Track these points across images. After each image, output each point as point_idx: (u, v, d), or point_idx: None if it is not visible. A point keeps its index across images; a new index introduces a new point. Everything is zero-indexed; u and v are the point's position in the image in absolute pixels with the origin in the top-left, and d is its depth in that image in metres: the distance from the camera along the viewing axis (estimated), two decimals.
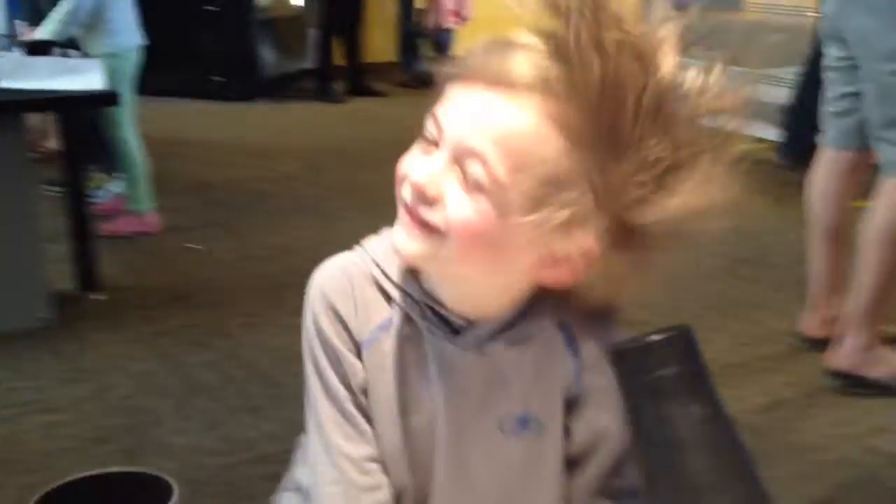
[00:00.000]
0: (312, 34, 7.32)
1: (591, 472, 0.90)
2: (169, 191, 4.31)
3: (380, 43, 8.09)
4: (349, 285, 0.92)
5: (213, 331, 3.16)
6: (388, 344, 0.91)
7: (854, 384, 2.53)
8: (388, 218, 3.44)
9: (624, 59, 0.72)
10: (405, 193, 0.85)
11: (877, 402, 2.50)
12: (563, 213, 0.78)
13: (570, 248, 0.81)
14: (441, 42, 7.71)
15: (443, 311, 0.90)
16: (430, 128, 0.86)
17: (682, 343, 0.73)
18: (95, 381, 2.84)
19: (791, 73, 5.34)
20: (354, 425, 0.91)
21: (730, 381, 2.68)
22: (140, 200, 4.07)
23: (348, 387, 0.91)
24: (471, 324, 0.90)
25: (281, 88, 7.25)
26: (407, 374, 0.91)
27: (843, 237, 2.69)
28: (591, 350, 0.91)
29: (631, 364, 0.74)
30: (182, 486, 2.26)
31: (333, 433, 0.91)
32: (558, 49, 0.73)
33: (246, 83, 6.90)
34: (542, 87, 0.77)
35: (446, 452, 0.91)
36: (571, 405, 0.91)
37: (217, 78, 6.75)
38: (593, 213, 0.78)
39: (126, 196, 4.11)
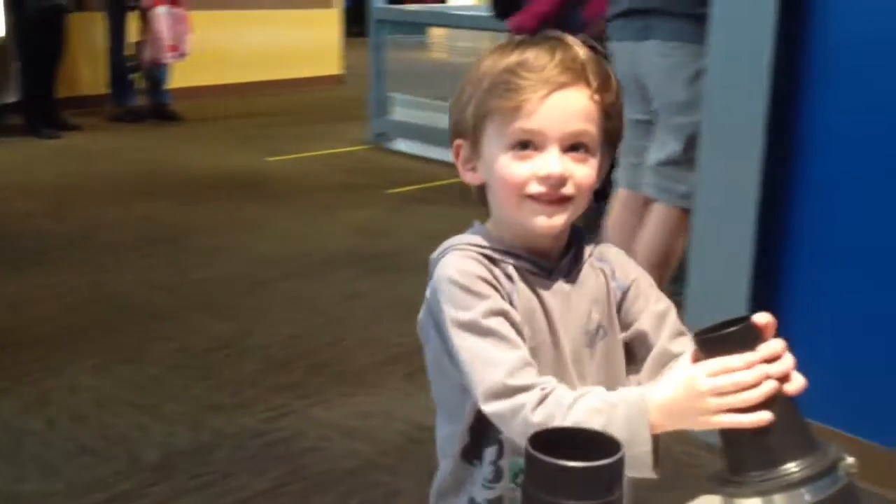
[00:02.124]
0: (17, 67, 6.98)
1: (662, 342, 1.19)
2: None
3: (88, 76, 7.86)
4: (480, 262, 1.15)
5: (12, 376, 3.07)
6: (519, 293, 1.15)
7: None
8: (158, 254, 3.61)
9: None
10: (536, 187, 1.12)
11: None
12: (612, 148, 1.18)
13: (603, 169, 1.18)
14: (156, 77, 7.63)
15: (539, 261, 1.18)
16: (522, 139, 1.12)
17: (753, 329, 0.97)
18: None
19: None
20: (514, 343, 1.10)
21: None
22: None
23: (501, 319, 1.11)
24: (551, 261, 1.18)
25: None
26: (535, 313, 1.16)
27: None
28: (611, 255, 1.23)
29: (715, 347, 0.97)
30: None
31: (510, 373, 1.07)
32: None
33: None
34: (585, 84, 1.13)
35: (571, 363, 1.18)
36: (622, 301, 1.22)
37: None
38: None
39: None
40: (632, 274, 1.24)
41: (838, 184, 2.53)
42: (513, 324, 1.11)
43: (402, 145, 6.75)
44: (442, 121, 6.68)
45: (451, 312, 1.11)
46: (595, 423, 0.99)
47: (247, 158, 6.45)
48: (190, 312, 3.66)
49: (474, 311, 1.10)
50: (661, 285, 3.29)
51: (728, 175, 2.64)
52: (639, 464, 1.00)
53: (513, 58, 1.13)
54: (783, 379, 0.95)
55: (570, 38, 1.15)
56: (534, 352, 1.13)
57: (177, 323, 3.56)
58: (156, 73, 7.60)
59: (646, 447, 1.00)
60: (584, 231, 1.24)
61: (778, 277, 2.64)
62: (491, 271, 1.14)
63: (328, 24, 9.94)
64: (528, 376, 1.07)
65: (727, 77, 2.62)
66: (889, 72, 2.39)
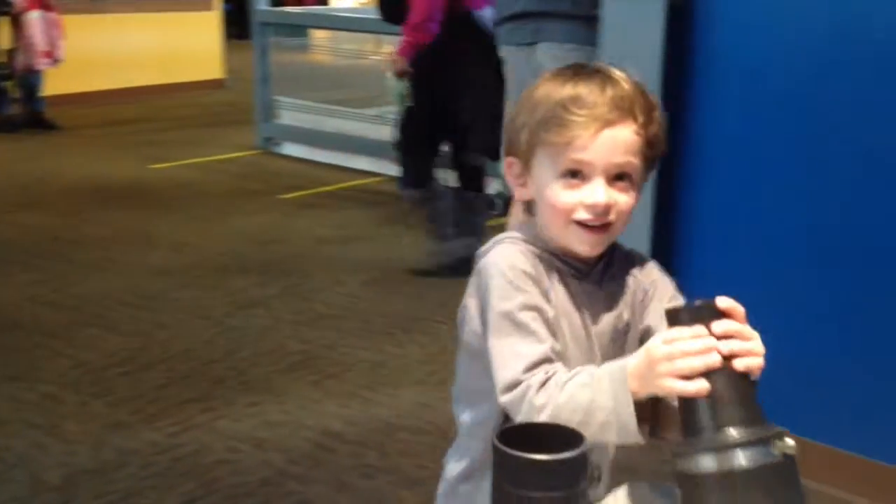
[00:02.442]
0: None
1: None
2: None
3: None
4: (528, 258, 1.26)
5: None
6: (556, 291, 1.27)
7: None
8: (43, 268, 3.54)
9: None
10: (583, 214, 1.22)
11: None
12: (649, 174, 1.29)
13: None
14: (30, 84, 7.36)
15: (577, 265, 1.29)
16: (572, 169, 1.22)
17: (711, 308, 1.08)
18: None
19: (389, 111, 5.94)
20: (539, 338, 1.20)
21: (437, 387, 3.09)
22: None
23: (536, 314, 1.21)
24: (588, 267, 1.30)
25: None
26: (568, 309, 1.27)
27: None
28: (639, 259, 1.35)
29: (676, 320, 1.08)
30: None
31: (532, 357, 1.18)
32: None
33: None
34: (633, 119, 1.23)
35: (601, 357, 1.28)
36: (643, 300, 1.33)
37: None
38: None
39: None
40: (653, 276, 1.34)
41: (727, 179, 2.63)
42: (545, 321, 1.21)
43: (290, 149, 6.69)
44: (329, 124, 6.64)
45: (493, 300, 1.22)
46: (584, 396, 1.11)
47: (129, 166, 6.29)
48: (82, 328, 3.55)
49: (513, 303, 1.21)
50: None
51: None
52: (625, 429, 1.10)
53: (566, 91, 1.23)
54: (735, 356, 1.04)
55: (617, 73, 1.24)
56: (567, 346, 1.24)
57: (69, 339, 3.45)
58: (30, 80, 7.34)
59: (629, 409, 1.09)
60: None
61: (672, 268, 2.73)
62: (535, 268, 1.25)
63: (208, 27, 9.77)
64: (540, 368, 1.16)
65: None
66: (766, 74, 2.51)
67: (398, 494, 2.48)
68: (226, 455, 2.66)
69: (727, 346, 1.04)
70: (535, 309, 1.21)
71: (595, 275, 1.30)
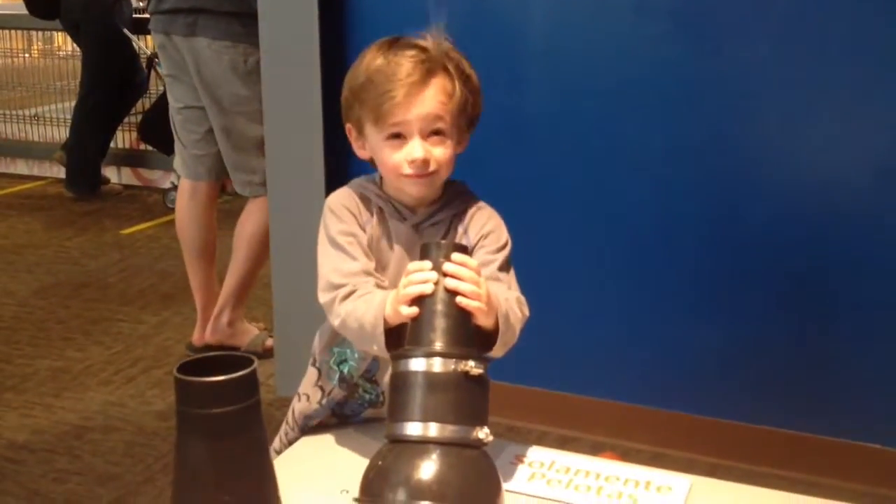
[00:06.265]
0: None
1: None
2: None
3: None
4: (353, 197, 1.51)
5: None
6: (373, 226, 1.50)
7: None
8: None
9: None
10: (408, 169, 1.44)
11: None
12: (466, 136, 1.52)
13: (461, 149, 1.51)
14: None
15: (401, 209, 1.51)
16: (393, 132, 1.43)
17: (446, 247, 1.31)
18: None
19: (62, 110, 5.68)
20: (354, 257, 1.45)
21: (124, 385, 3.07)
22: None
23: (352, 239, 1.46)
24: (413, 213, 1.51)
25: None
26: (380, 242, 1.51)
27: (211, 254, 3.28)
28: (479, 217, 1.52)
29: (424, 255, 1.31)
30: None
31: (338, 269, 1.43)
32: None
33: None
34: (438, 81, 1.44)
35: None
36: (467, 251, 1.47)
37: None
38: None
39: None
40: (486, 230, 1.51)
41: None
42: (360, 244, 1.47)
43: None
44: None
45: (322, 226, 1.50)
46: (361, 310, 1.37)
47: None
48: None
49: (334, 229, 1.48)
50: (254, 272, 3.39)
51: (296, 161, 2.80)
52: (378, 344, 1.34)
53: (378, 63, 1.44)
54: (457, 292, 1.28)
55: (427, 42, 1.44)
56: (379, 272, 1.48)
57: None
58: None
59: (379, 327, 1.33)
60: None
61: None
62: (357, 205, 1.50)
63: None
64: (350, 280, 1.42)
65: (282, 71, 2.78)
66: None
67: (93, 492, 2.46)
68: None
69: (451, 283, 1.28)
70: (350, 235, 1.47)
71: (413, 220, 1.51)
